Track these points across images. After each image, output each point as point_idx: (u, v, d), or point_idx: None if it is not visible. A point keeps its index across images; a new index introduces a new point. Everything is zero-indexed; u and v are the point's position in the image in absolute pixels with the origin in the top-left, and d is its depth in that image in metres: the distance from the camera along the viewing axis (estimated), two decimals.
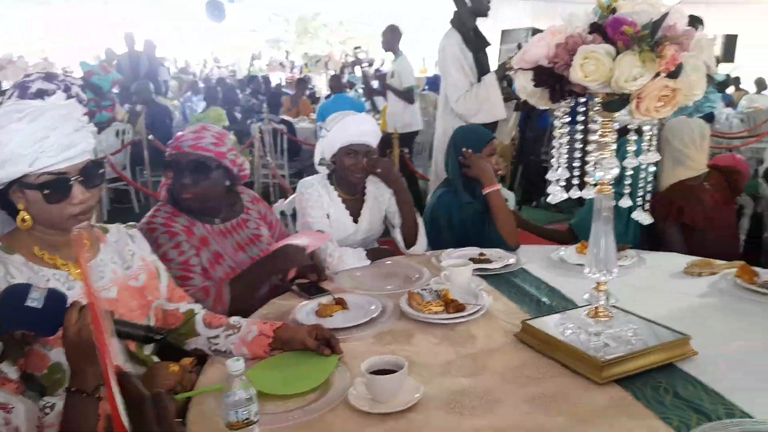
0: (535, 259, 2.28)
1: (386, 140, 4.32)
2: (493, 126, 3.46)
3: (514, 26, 4.61)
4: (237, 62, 15.37)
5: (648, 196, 1.46)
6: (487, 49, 3.60)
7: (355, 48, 9.24)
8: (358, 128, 2.34)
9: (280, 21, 20.61)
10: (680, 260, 2.18)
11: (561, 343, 1.51)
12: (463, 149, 2.48)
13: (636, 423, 1.24)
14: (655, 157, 1.38)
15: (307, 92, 9.25)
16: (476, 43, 3.48)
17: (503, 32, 4.45)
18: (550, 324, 1.61)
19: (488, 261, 2.19)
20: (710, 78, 1.26)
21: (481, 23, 3.55)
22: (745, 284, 1.90)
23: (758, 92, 8.93)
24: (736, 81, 10.13)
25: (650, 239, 2.60)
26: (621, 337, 1.50)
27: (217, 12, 13.02)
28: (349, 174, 2.35)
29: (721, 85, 8.29)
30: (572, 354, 1.47)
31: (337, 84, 7.34)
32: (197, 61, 15.40)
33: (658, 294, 1.92)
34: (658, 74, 1.20)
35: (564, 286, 2.00)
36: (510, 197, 2.98)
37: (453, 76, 3.40)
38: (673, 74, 1.19)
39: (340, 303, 1.83)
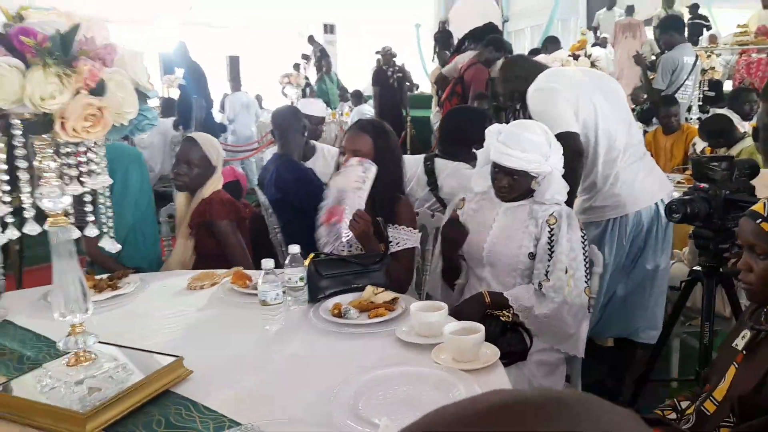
0: (24, 306, 1.96)
1: None
2: None
3: None
4: None
5: (111, 222, 1.35)
6: None
7: None
8: None
9: None
10: (185, 277, 2.17)
11: (39, 406, 1.29)
12: None
13: None
14: (106, 180, 1.27)
15: None
16: None
17: None
18: (25, 385, 1.37)
19: None
20: (142, 95, 1.21)
21: None
22: (239, 289, 2.00)
23: (261, 107, 9.99)
24: (259, 99, 11.12)
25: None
26: (111, 377, 1.37)
27: None
28: None
29: None
30: (53, 415, 1.27)
31: None
32: None
33: (158, 318, 1.85)
34: (79, 92, 1.08)
35: (57, 332, 1.75)
36: None
37: None
38: (97, 91, 1.10)
39: None
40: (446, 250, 2.21)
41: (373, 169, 2.14)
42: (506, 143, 2.02)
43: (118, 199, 2.41)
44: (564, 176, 2.11)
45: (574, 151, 2.40)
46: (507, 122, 2.42)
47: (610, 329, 2.78)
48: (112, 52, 1.14)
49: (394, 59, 8.35)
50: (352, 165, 2.15)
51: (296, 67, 11.15)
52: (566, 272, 1.97)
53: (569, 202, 2.47)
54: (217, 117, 8.18)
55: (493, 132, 2.11)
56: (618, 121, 2.61)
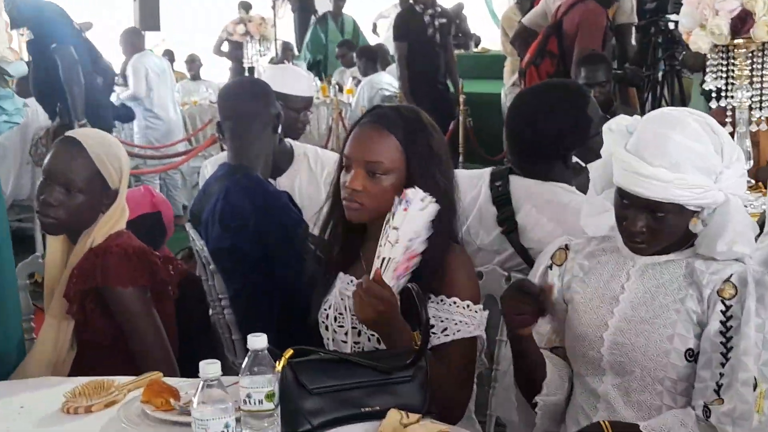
0: None
1: None
2: None
3: None
4: None
5: None
6: None
7: None
8: None
9: None
10: (59, 389, 2.19)
11: None
12: None
13: None
14: None
15: None
16: None
17: None
18: None
19: None
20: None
21: None
22: (157, 414, 2.01)
23: (193, 78, 10.12)
24: (170, 55, 11.33)
25: None
26: None
27: None
28: None
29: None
30: None
31: None
32: None
33: None
34: None
35: None
36: None
37: None
38: None
39: None
40: (511, 332, 2.19)
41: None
42: (641, 153, 2.01)
43: None
44: None
45: None
46: (643, 111, 2.43)
47: None
48: None
49: None
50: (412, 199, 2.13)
51: (244, 6, 11.25)
52: (755, 387, 1.96)
53: None
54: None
55: (618, 131, 2.12)
56: None
